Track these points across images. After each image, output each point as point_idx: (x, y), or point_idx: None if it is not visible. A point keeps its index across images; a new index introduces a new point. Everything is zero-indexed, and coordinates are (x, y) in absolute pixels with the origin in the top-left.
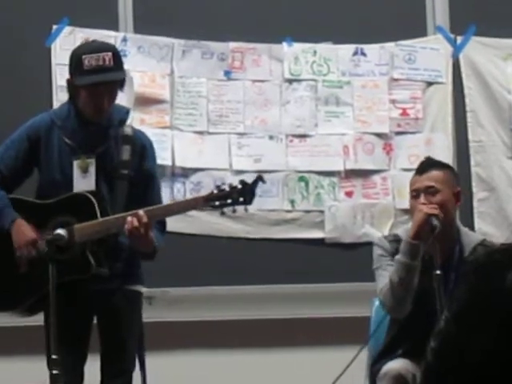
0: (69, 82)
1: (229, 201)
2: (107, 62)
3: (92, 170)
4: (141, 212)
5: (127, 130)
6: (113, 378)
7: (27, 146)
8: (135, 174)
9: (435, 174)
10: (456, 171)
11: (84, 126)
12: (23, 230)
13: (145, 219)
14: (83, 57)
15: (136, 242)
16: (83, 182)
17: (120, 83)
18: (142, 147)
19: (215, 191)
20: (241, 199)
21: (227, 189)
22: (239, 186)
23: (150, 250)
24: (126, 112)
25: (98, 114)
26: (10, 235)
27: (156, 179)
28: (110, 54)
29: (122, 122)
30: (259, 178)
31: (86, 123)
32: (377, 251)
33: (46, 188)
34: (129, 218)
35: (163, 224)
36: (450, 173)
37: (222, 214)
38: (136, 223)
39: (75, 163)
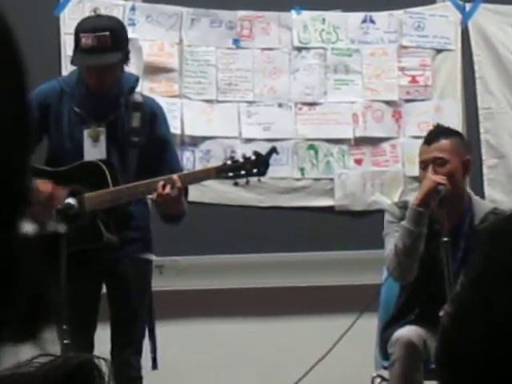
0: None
1: (242, 172)
2: (104, 43)
3: (103, 138)
4: (175, 176)
5: (137, 97)
6: (123, 347)
7: (37, 112)
8: (147, 141)
9: (443, 143)
10: (465, 137)
11: (93, 95)
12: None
13: (179, 184)
14: (81, 35)
15: (167, 205)
16: (94, 150)
17: (122, 60)
18: (152, 114)
19: (229, 162)
20: (255, 170)
21: (241, 160)
22: (253, 157)
23: (180, 213)
24: (136, 80)
25: (99, 90)
26: None
27: (171, 145)
28: (107, 33)
29: (132, 89)
30: (273, 150)
31: (94, 92)
32: (387, 217)
33: (55, 156)
34: (161, 183)
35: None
36: (458, 140)
37: (236, 184)
38: (168, 189)
39: (85, 132)
